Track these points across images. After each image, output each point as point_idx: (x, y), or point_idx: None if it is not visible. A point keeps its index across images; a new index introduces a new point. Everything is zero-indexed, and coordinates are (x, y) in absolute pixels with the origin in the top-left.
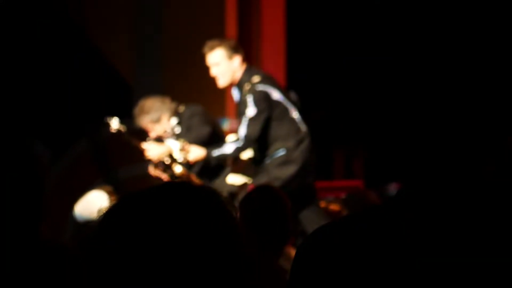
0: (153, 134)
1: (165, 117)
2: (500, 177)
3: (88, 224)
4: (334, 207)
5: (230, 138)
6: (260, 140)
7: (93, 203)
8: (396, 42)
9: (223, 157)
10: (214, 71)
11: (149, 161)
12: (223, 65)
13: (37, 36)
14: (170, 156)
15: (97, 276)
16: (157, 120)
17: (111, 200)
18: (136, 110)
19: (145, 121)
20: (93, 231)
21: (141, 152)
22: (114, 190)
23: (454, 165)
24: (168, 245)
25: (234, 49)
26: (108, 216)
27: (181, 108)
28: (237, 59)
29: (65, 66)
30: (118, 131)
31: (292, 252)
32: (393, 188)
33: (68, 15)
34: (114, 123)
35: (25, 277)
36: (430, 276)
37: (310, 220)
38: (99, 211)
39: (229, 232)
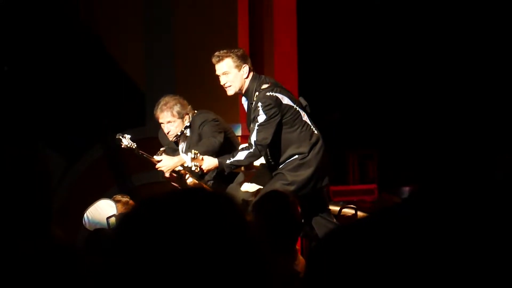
0: (171, 133)
1: (187, 116)
2: (510, 179)
3: (99, 231)
4: (348, 211)
5: (242, 145)
6: (272, 145)
7: (102, 210)
8: (409, 46)
9: (236, 165)
10: (223, 81)
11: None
12: (231, 74)
13: (48, 40)
14: (184, 167)
15: (111, 281)
16: (181, 116)
17: (123, 209)
18: (160, 105)
19: (168, 116)
20: (107, 238)
21: (153, 164)
22: (130, 198)
23: (467, 168)
24: (184, 251)
25: (242, 58)
26: (125, 222)
27: (193, 113)
28: (246, 68)
29: (77, 71)
30: (129, 147)
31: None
32: (407, 191)
33: (79, 20)
34: (125, 140)
35: (32, 277)
36: (442, 280)
37: (323, 226)
38: (109, 218)
39: (244, 239)
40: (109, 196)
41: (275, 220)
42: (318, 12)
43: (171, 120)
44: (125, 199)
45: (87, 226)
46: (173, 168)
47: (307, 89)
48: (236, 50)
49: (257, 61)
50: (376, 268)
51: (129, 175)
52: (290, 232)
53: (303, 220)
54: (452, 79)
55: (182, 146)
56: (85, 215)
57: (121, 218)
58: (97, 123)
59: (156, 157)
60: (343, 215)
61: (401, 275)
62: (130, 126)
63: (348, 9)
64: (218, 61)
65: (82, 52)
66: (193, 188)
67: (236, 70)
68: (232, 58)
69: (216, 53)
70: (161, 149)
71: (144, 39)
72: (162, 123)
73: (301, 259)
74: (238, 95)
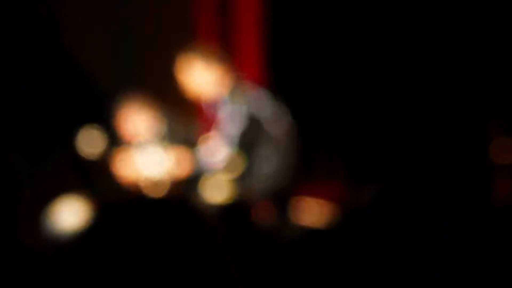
0: (142, 134)
1: (156, 117)
2: (479, 181)
3: (61, 233)
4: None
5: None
6: (240, 147)
7: (65, 212)
8: (374, 43)
9: (206, 169)
10: (191, 82)
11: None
12: (199, 76)
13: (6, 37)
14: (153, 169)
15: (73, 283)
16: (152, 119)
17: (86, 210)
18: (128, 109)
19: (140, 119)
20: (69, 240)
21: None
22: (93, 200)
23: (434, 168)
24: (147, 258)
25: (210, 59)
26: (87, 228)
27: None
28: (214, 69)
29: (37, 69)
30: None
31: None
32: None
33: (39, 18)
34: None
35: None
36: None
37: (290, 226)
38: (71, 221)
39: (208, 246)
40: (74, 200)
41: (240, 227)
42: (288, 6)
43: (138, 127)
44: (87, 201)
45: (50, 228)
46: (143, 170)
47: (276, 86)
48: (203, 49)
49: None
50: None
51: (95, 179)
52: (256, 238)
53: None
54: (414, 74)
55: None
56: (48, 217)
57: (84, 223)
58: (60, 123)
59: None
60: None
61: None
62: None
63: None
64: (185, 64)
65: (42, 50)
66: (157, 196)
67: (203, 72)
68: (200, 59)
69: (184, 54)
70: None
71: (107, 37)
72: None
73: None
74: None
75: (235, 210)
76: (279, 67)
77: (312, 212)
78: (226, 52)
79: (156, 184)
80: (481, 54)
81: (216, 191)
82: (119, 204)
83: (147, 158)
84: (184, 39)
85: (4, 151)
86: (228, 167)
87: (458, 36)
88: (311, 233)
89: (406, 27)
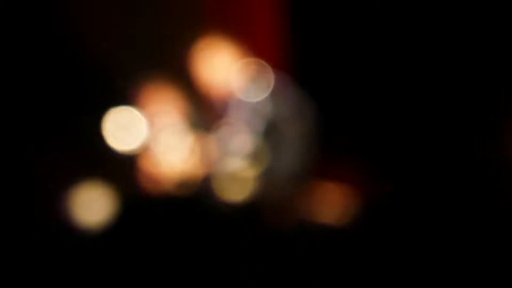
0: (163, 124)
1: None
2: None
3: (81, 227)
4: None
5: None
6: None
7: (87, 206)
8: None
9: (227, 163)
10: (209, 72)
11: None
12: (218, 65)
13: (12, 36)
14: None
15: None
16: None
17: (107, 204)
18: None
19: (161, 110)
20: (90, 235)
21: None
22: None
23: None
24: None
25: (228, 47)
26: (107, 222)
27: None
28: (232, 58)
29: (51, 64)
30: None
31: None
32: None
33: (55, 12)
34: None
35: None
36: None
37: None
38: (96, 215)
39: (217, 246)
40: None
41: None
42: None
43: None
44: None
45: (72, 221)
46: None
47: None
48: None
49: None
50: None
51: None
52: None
53: None
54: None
55: None
56: (71, 210)
57: (106, 217)
58: (64, 118)
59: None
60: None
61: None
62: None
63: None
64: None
65: (59, 43)
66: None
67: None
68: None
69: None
70: None
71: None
72: None
73: None
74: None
75: (253, 210)
76: (302, 53)
77: (332, 206)
78: (245, 38)
79: (177, 177)
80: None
81: (236, 188)
82: (137, 202)
83: (168, 149)
84: (200, 28)
85: (22, 143)
86: (251, 163)
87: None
88: (329, 231)
89: (436, 23)
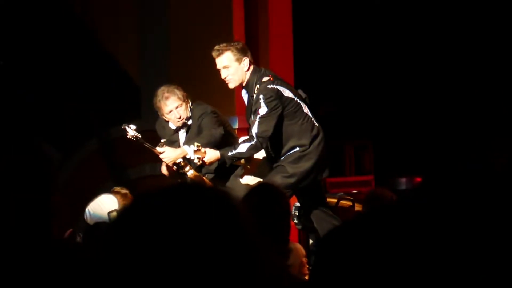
0: (183, 116)
1: (188, 99)
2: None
3: (98, 225)
4: (346, 203)
5: (243, 137)
6: (273, 138)
7: (103, 205)
8: (404, 39)
9: (238, 157)
10: (223, 74)
11: (160, 163)
12: (232, 68)
13: (44, 35)
14: (184, 158)
15: (108, 277)
16: (184, 99)
17: (123, 202)
18: (162, 95)
19: (175, 101)
20: (105, 232)
21: (155, 155)
22: (128, 191)
23: (466, 158)
24: (179, 246)
25: (242, 51)
26: (121, 217)
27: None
28: (246, 61)
29: (72, 65)
30: (135, 137)
31: (298, 247)
32: (403, 182)
33: (75, 15)
34: (130, 131)
35: (36, 276)
36: (447, 276)
37: (321, 218)
38: (110, 212)
39: (240, 234)
40: (105, 190)
41: (262, 213)
42: (313, 4)
43: (178, 104)
44: (124, 191)
45: (88, 220)
46: (175, 159)
47: (303, 81)
48: (235, 43)
49: (252, 53)
50: (381, 266)
51: (126, 168)
52: (277, 225)
53: (300, 213)
54: (447, 69)
55: (182, 136)
56: (86, 209)
57: (118, 212)
58: (93, 117)
59: (158, 148)
60: (340, 207)
61: (407, 272)
62: (125, 119)
63: (342, 1)
64: (218, 55)
65: (77, 47)
66: (189, 183)
67: (236, 64)
68: (232, 51)
69: (216, 47)
70: (162, 141)
71: (139, 33)
72: (170, 110)
73: (295, 252)
74: (235, 88)
75: (255, 195)
76: (307, 62)
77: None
78: (257, 48)
79: (191, 171)
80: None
81: (246, 179)
82: (152, 193)
83: (183, 147)
84: (216, 33)
85: (39, 141)
86: (256, 158)
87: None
88: (349, 225)
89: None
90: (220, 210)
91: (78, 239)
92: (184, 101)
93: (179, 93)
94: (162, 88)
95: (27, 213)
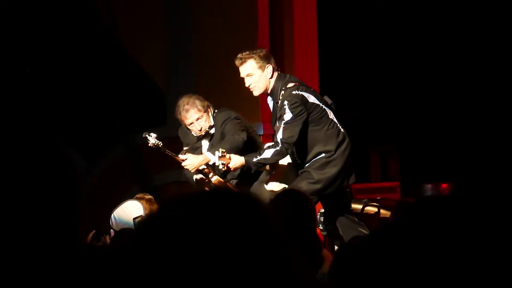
0: (204, 127)
1: (209, 108)
2: None
3: (124, 231)
4: (371, 209)
5: (268, 143)
6: (299, 144)
7: (129, 211)
8: (431, 43)
9: (263, 163)
10: (247, 82)
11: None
12: (255, 75)
13: (70, 41)
14: (207, 164)
15: (135, 281)
16: (205, 109)
17: (149, 207)
18: (182, 107)
19: (195, 113)
20: (131, 238)
21: (178, 163)
22: (154, 197)
23: (496, 164)
24: (207, 252)
25: (265, 58)
26: (148, 223)
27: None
28: (269, 68)
29: (98, 71)
30: (156, 145)
31: (327, 254)
32: (428, 189)
33: (100, 22)
34: (151, 139)
35: (63, 281)
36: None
37: (346, 225)
38: (136, 218)
39: (268, 239)
40: (131, 195)
41: (288, 219)
42: (338, 10)
43: (199, 116)
44: (148, 196)
45: (114, 226)
46: (198, 166)
47: (328, 87)
48: (258, 51)
49: (277, 60)
50: (405, 274)
51: (150, 174)
52: (304, 232)
53: (326, 219)
54: (474, 74)
55: (205, 144)
56: (112, 215)
57: (145, 218)
58: (119, 123)
59: (181, 156)
60: (366, 213)
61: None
62: (151, 125)
63: (368, 7)
64: (241, 63)
65: (103, 53)
66: (218, 188)
67: (259, 71)
68: (255, 59)
69: (239, 55)
70: (185, 148)
71: (165, 39)
72: (191, 123)
73: (329, 260)
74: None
75: (282, 201)
76: (331, 68)
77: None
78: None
79: (215, 177)
80: None
81: (271, 185)
82: (180, 200)
83: (206, 153)
84: (241, 40)
85: (62, 147)
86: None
87: None
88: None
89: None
90: (250, 215)
91: (103, 240)
92: (205, 111)
93: (199, 104)
94: (183, 99)
95: (52, 219)
